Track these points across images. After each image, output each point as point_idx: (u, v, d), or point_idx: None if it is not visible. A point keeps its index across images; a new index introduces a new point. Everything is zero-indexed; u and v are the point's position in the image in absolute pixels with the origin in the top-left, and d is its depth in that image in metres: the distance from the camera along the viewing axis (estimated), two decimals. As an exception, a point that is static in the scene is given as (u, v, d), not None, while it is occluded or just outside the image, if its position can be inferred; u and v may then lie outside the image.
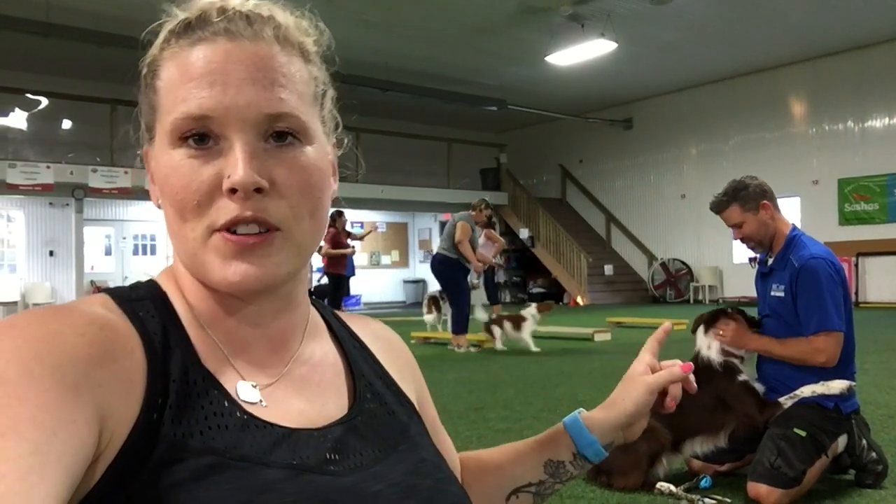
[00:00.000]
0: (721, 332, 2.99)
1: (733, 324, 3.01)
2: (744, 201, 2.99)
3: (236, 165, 0.61)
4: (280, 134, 0.64)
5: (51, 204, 15.31)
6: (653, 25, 12.94)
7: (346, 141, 0.78)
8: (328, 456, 0.64)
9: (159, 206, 0.68)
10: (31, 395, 0.51)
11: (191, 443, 0.59)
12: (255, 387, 0.66)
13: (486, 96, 16.46)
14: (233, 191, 0.61)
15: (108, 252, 17.45)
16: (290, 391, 0.69)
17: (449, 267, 7.92)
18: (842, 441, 2.86)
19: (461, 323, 8.13)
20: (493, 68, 15.32)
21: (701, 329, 3.08)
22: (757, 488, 2.71)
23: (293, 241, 0.65)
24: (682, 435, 2.91)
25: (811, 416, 2.80)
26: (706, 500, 2.72)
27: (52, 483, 0.48)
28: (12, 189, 12.49)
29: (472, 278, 8.86)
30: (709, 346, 3.00)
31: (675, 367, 0.86)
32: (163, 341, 0.63)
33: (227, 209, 0.62)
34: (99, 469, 0.55)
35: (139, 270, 16.57)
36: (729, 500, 2.74)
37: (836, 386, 2.78)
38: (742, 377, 2.94)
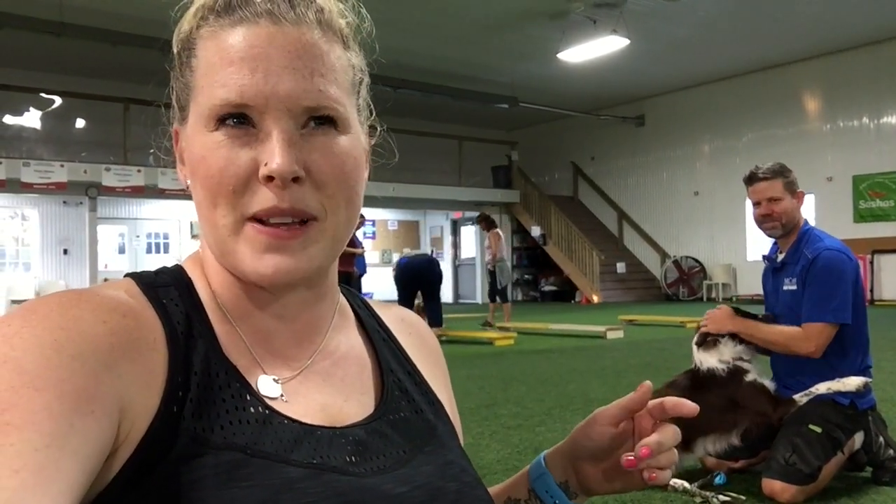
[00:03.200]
0: (705, 322, 2.98)
1: (717, 311, 3.00)
2: (787, 179, 3.00)
3: (274, 153, 0.60)
4: (317, 120, 0.63)
5: (65, 202, 15.42)
6: (665, 22, 12.88)
7: (378, 129, 0.76)
8: (349, 458, 0.63)
9: (187, 187, 0.67)
10: (50, 385, 0.50)
11: (211, 438, 0.57)
12: (276, 381, 0.65)
13: (498, 94, 16.43)
14: (269, 178, 0.60)
15: (121, 250, 17.57)
16: (311, 386, 0.67)
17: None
18: (858, 438, 2.84)
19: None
20: (504, 65, 15.29)
21: (694, 347, 3.07)
22: (772, 485, 2.68)
23: (328, 233, 0.64)
24: (693, 434, 2.89)
25: (827, 413, 2.78)
26: (720, 496, 2.70)
27: (68, 478, 0.47)
28: (26, 188, 12.59)
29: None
30: (706, 358, 2.97)
31: (627, 400, 0.74)
32: (186, 331, 0.62)
33: (263, 198, 0.61)
34: (118, 461, 0.54)
35: (153, 269, 16.63)
36: (743, 498, 2.71)
37: (853, 382, 2.75)
38: (750, 377, 2.91)
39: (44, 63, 13.85)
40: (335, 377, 0.70)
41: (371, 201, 16.00)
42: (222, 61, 0.62)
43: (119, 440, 0.53)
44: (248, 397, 0.62)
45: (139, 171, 13.20)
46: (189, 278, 0.68)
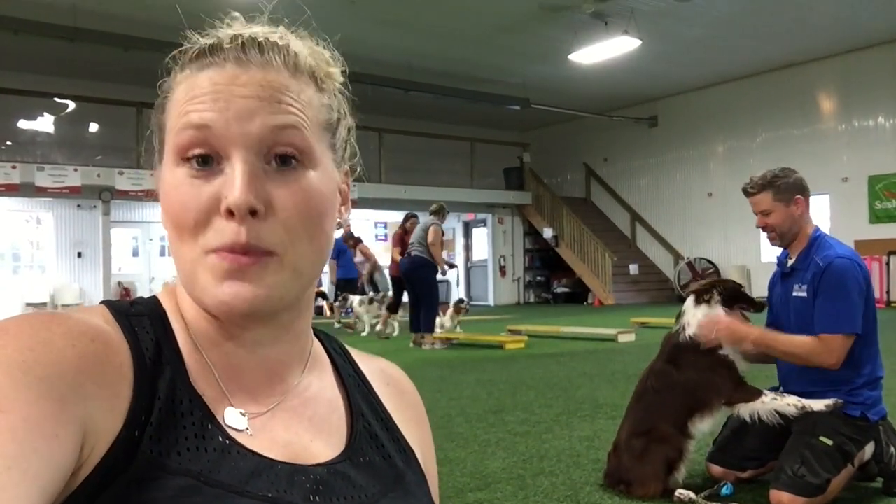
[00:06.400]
0: (712, 336, 2.85)
1: (723, 323, 2.86)
2: (778, 190, 2.92)
3: (233, 185, 0.61)
4: (283, 158, 0.63)
5: (79, 206, 15.52)
6: (677, 21, 12.80)
7: (358, 169, 0.76)
8: (311, 497, 0.63)
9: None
10: (15, 406, 0.50)
11: (167, 462, 0.57)
12: (243, 415, 0.65)
13: (510, 95, 16.40)
14: (230, 211, 0.61)
15: (135, 253, 17.67)
16: (278, 423, 0.68)
17: (425, 268, 8.79)
18: (869, 449, 2.79)
19: (432, 322, 8.99)
20: (516, 67, 15.26)
21: (691, 299, 2.99)
22: (780, 496, 2.64)
23: (288, 265, 0.64)
24: (685, 420, 2.85)
25: (838, 425, 2.73)
26: (727, 508, 2.66)
27: (28, 501, 0.47)
28: (41, 192, 12.68)
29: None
30: (695, 322, 2.90)
31: None
32: (154, 358, 0.62)
33: (222, 232, 0.61)
34: (76, 481, 0.54)
35: (166, 271, 16.76)
36: (751, 509, 2.68)
37: (821, 404, 2.73)
38: (724, 351, 2.86)
39: (57, 68, 13.95)
40: (303, 416, 0.70)
41: (383, 203, 16.08)
42: (187, 97, 0.64)
43: (80, 460, 0.54)
44: (210, 426, 0.62)
45: (152, 174, 13.01)
46: (163, 310, 0.69)
